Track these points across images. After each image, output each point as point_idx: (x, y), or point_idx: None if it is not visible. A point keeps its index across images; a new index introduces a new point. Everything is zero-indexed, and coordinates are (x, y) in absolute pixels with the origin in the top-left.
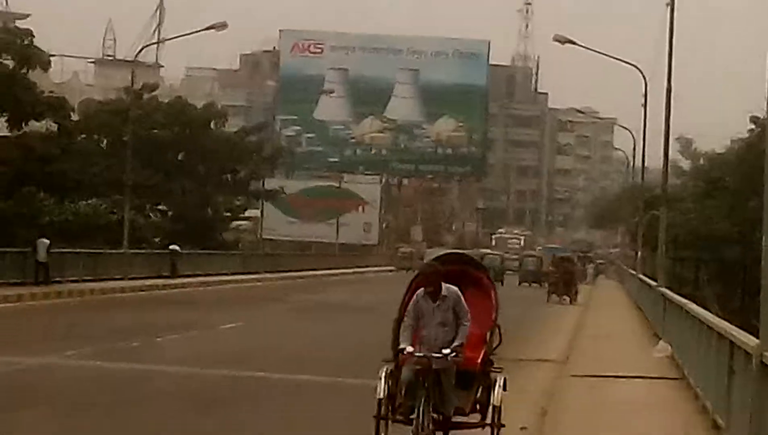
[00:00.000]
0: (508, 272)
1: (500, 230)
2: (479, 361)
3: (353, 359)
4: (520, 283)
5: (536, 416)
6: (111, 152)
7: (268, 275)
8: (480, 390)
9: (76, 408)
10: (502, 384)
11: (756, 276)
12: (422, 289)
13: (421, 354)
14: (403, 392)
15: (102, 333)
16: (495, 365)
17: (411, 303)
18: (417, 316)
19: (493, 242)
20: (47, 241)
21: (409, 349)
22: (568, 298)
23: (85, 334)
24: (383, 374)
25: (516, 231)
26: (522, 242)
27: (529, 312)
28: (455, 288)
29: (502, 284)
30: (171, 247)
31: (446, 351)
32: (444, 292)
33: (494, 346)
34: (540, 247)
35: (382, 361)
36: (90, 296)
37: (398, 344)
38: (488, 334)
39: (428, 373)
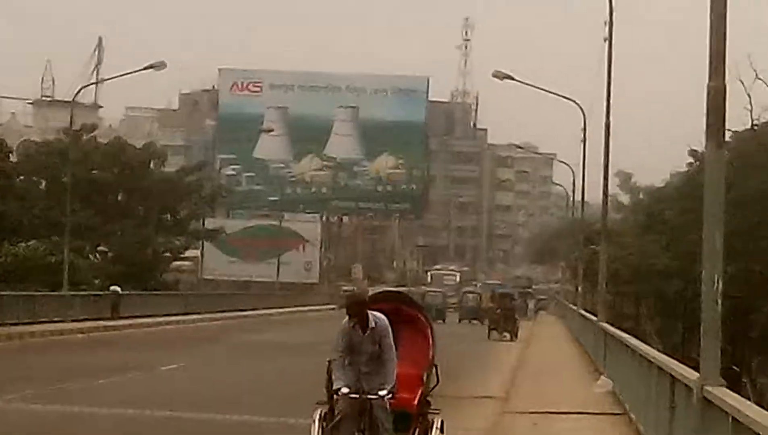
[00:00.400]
0: (447, 309)
1: (436, 267)
2: (416, 402)
3: (293, 399)
4: (460, 320)
5: None
6: (50, 193)
7: (208, 315)
8: (417, 433)
9: None
10: (439, 426)
11: (696, 310)
12: (347, 320)
13: (356, 395)
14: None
15: (42, 376)
16: (433, 406)
17: (338, 334)
18: (346, 348)
19: (429, 279)
20: None
21: (344, 389)
22: (508, 335)
23: (25, 377)
24: (317, 417)
25: (452, 267)
26: (458, 278)
27: (470, 349)
28: (384, 319)
29: (444, 322)
30: (112, 288)
31: (383, 392)
32: (371, 322)
33: (431, 386)
34: (479, 284)
35: (317, 404)
36: (30, 339)
37: (332, 385)
38: (425, 374)
39: (363, 414)
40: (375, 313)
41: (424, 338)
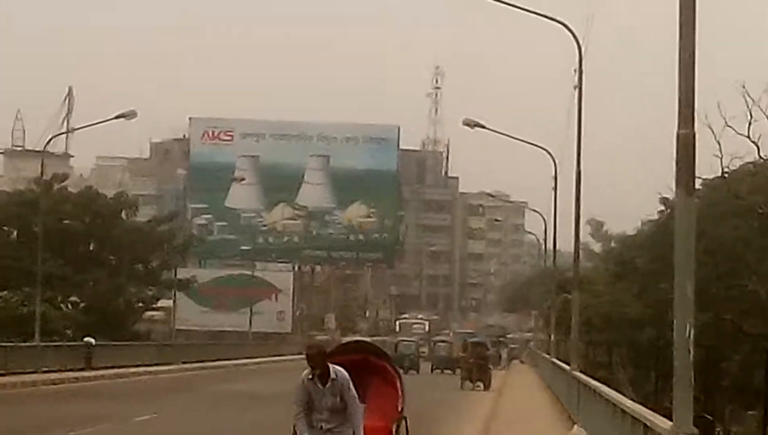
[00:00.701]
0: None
1: (404, 316)
2: None
3: None
4: (432, 370)
5: None
6: (21, 243)
7: (181, 365)
8: None
9: None
10: None
11: (669, 358)
12: (307, 371)
13: None
14: None
15: (14, 427)
16: None
17: (297, 388)
18: (306, 401)
19: (398, 328)
20: None
21: None
22: (482, 384)
23: None
24: None
25: (420, 316)
26: (427, 327)
27: (443, 398)
28: (344, 372)
29: (418, 372)
30: (85, 339)
31: None
32: (332, 374)
33: None
34: (451, 332)
35: None
36: (1, 391)
37: None
38: (394, 427)
39: None
40: (335, 366)
41: (393, 389)
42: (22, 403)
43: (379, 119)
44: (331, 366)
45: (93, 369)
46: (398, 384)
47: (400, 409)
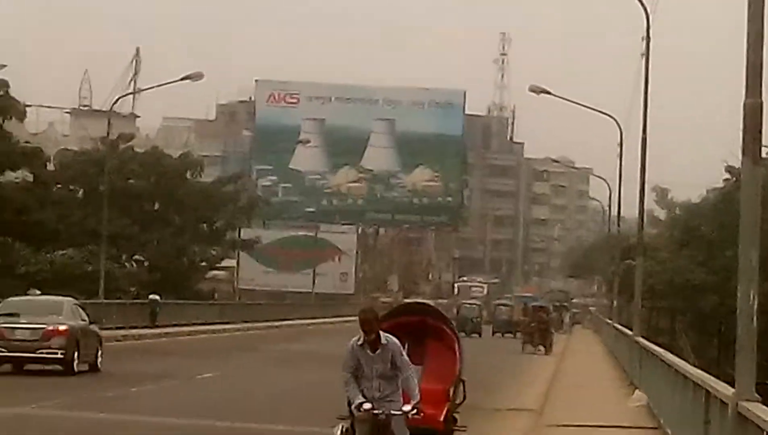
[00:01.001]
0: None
1: (463, 278)
2: (441, 419)
3: (328, 408)
4: (493, 334)
5: None
6: (87, 202)
7: (244, 325)
8: None
9: None
10: None
11: (732, 326)
12: (357, 337)
13: (379, 411)
14: None
15: (78, 383)
16: (459, 424)
17: (346, 352)
18: (355, 367)
19: (456, 291)
20: (38, 292)
21: (366, 405)
22: (543, 348)
23: (60, 385)
24: (338, 432)
25: (479, 279)
26: (486, 290)
27: (504, 361)
28: (394, 338)
29: (480, 335)
30: (151, 296)
31: (406, 408)
32: (383, 340)
33: (458, 402)
34: (511, 296)
35: (337, 418)
36: None
37: (351, 400)
38: (451, 390)
39: (385, 431)
40: (385, 332)
41: (450, 352)
42: None
43: (445, 84)
44: (382, 334)
45: (157, 326)
46: (456, 347)
47: (457, 372)
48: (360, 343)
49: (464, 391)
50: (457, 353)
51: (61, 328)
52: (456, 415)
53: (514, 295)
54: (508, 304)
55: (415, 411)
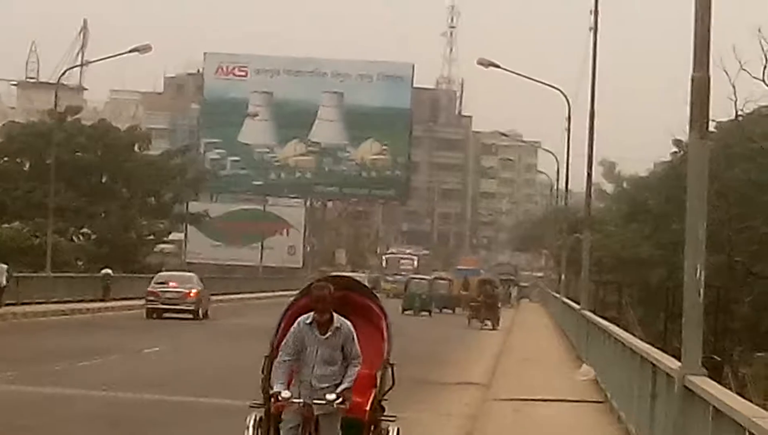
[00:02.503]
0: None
1: (391, 250)
2: (367, 408)
3: None
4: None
5: None
6: (34, 175)
7: None
8: None
9: None
10: None
11: (678, 299)
12: (307, 315)
13: (299, 400)
14: None
15: (24, 357)
16: (387, 413)
17: (291, 332)
18: (298, 350)
19: (384, 263)
20: (5, 266)
21: (285, 393)
22: (490, 323)
23: (6, 358)
24: (251, 423)
25: (408, 250)
26: (416, 263)
27: (450, 336)
28: (349, 323)
29: (430, 314)
30: (104, 271)
31: (331, 396)
32: (336, 322)
33: (386, 389)
34: (435, 271)
35: (250, 406)
36: (12, 320)
37: (270, 386)
38: (378, 375)
39: (309, 423)
40: (339, 316)
41: (377, 332)
42: (32, 333)
43: (393, 58)
44: (335, 316)
45: (111, 300)
46: (384, 325)
47: (385, 354)
48: (309, 322)
49: (393, 376)
50: (385, 333)
51: (193, 291)
52: (384, 404)
53: (455, 267)
54: (446, 277)
55: (341, 400)
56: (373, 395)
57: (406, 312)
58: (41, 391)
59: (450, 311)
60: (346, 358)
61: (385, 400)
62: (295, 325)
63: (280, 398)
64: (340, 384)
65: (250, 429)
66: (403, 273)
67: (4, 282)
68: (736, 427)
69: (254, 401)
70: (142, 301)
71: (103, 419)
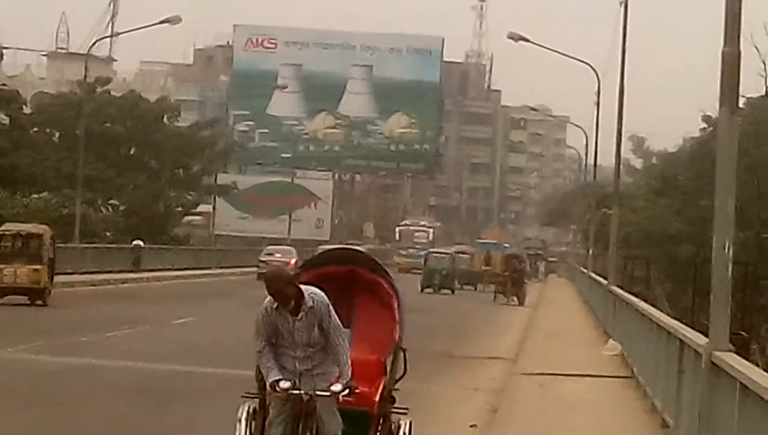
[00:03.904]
0: (415, 270)
1: (405, 222)
2: (376, 398)
3: None
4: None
5: (486, 414)
6: (63, 146)
7: (219, 270)
8: None
9: (25, 402)
10: (407, 431)
11: (706, 275)
12: (270, 300)
13: (300, 391)
14: None
15: (52, 327)
16: (399, 404)
17: (260, 319)
18: (271, 333)
19: (398, 236)
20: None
21: (284, 383)
22: (516, 299)
23: (35, 329)
24: (243, 414)
25: (423, 222)
26: (431, 236)
27: (476, 311)
28: (322, 295)
29: (453, 292)
30: (135, 242)
31: (336, 387)
32: (307, 301)
33: (397, 377)
34: (458, 244)
35: (242, 397)
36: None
37: (264, 375)
38: (388, 361)
39: (310, 416)
40: (311, 289)
41: (388, 312)
42: (60, 304)
43: (423, 31)
44: (305, 291)
45: (141, 271)
46: (395, 305)
47: (396, 337)
48: (276, 306)
49: (405, 362)
50: (397, 314)
51: (293, 261)
52: (394, 394)
53: (477, 241)
54: (468, 251)
55: (347, 391)
56: (382, 384)
57: (426, 290)
58: (68, 361)
59: (471, 288)
60: (327, 336)
61: (396, 389)
62: (263, 310)
63: (278, 389)
64: (326, 364)
65: (242, 422)
66: (417, 246)
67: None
68: (763, 403)
69: (247, 391)
70: (167, 272)
71: (130, 390)
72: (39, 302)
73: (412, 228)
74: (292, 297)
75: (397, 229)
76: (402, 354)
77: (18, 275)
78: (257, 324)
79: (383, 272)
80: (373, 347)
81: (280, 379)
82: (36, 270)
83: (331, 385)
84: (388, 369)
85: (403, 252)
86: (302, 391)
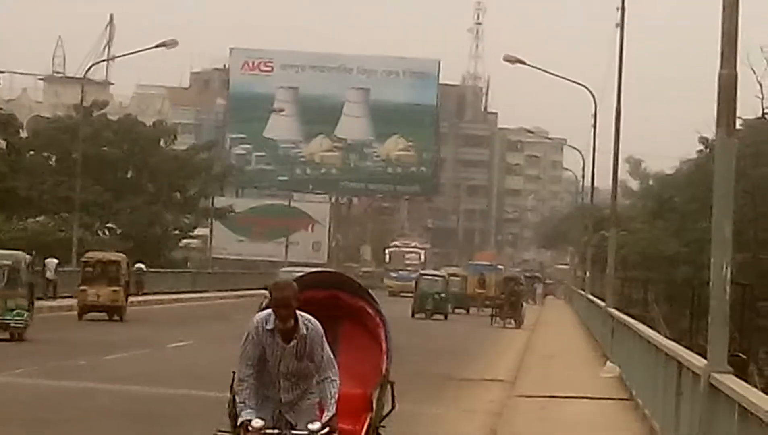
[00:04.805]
0: (405, 293)
1: (395, 243)
2: None
3: None
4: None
5: None
6: (60, 169)
7: (216, 293)
8: None
9: (20, 426)
10: None
11: (704, 297)
12: (266, 317)
13: (275, 430)
14: None
15: (49, 351)
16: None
17: (249, 340)
18: (258, 357)
19: (387, 258)
20: (56, 261)
21: (256, 422)
22: (513, 322)
23: (32, 352)
24: None
25: (414, 243)
26: (422, 257)
27: (473, 334)
28: (317, 324)
29: (446, 317)
30: (137, 265)
31: (314, 426)
32: (301, 327)
33: (384, 413)
34: (448, 266)
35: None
36: (37, 314)
37: (237, 411)
38: (375, 396)
39: None
40: (306, 314)
41: (374, 342)
42: (58, 327)
43: (419, 54)
44: (300, 316)
45: (144, 294)
46: (382, 334)
47: (383, 368)
48: (270, 327)
49: (393, 397)
50: (384, 344)
51: None
52: (381, 431)
53: (469, 263)
54: (460, 273)
55: (326, 430)
56: (368, 421)
57: (417, 315)
58: (65, 385)
59: (463, 311)
60: (318, 369)
61: (383, 426)
62: (253, 329)
63: (250, 428)
64: (307, 397)
65: None
66: (408, 268)
67: (53, 275)
68: (762, 425)
69: (220, 429)
70: (165, 296)
71: (125, 414)
72: (116, 317)
73: (402, 249)
74: (293, 314)
75: (386, 251)
76: (390, 388)
77: (100, 295)
78: (244, 346)
79: (368, 297)
80: (358, 380)
81: (250, 420)
82: (115, 291)
83: (312, 422)
84: (374, 404)
85: (394, 274)
86: (276, 431)
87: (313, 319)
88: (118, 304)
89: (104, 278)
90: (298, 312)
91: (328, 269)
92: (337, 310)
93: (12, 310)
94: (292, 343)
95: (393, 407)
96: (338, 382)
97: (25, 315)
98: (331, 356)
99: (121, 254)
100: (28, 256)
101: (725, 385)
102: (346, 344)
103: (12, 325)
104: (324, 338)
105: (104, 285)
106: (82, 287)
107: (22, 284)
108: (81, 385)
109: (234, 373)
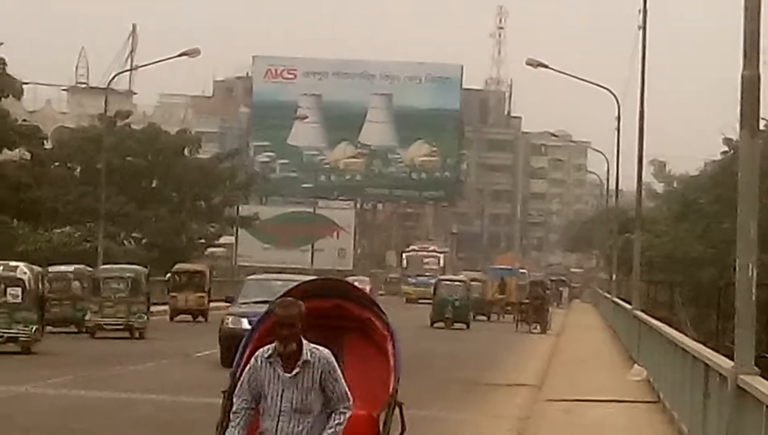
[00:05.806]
0: (424, 300)
1: (412, 247)
2: None
3: None
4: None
5: None
6: (85, 180)
7: None
8: None
9: None
10: None
11: (730, 298)
12: (267, 347)
13: None
14: None
15: (78, 361)
16: None
17: (247, 371)
18: (256, 395)
19: (405, 262)
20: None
21: None
22: (539, 327)
23: (61, 363)
24: None
25: (432, 247)
26: (441, 262)
27: (498, 339)
28: (325, 351)
29: (468, 326)
30: (168, 275)
31: None
32: (305, 355)
33: None
34: (466, 271)
35: None
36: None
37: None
38: (381, 417)
39: None
40: (311, 344)
41: (381, 357)
42: (85, 338)
43: (442, 59)
44: (306, 344)
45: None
46: (391, 349)
47: (392, 387)
48: (269, 354)
49: (402, 418)
50: (392, 359)
51: (368, 288)
52: None
53: (489, 266)
54: (479, 278)
55: None
56: None
57: (437, 324)
58: (95, 395)
59: (484, 318)
60: (329, 403)
61: None
62: (252, 360)
63: None
64: (310, 427)
65: None
66: (426, 274)
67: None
68: None
69: None
70: None
71: (156, 423)
72: (201, 319)
73: (420, 253)
74: (299, 336)
75: (404, 255)
76: (399, 408)
77: (188, 301)
78: (243, 379)
79: (375, 308)
80: (364, 400)
81: None
82: (201, 296)
83: None
84: (381, 427)
85: (411, 280)
86: None
87: (321, 348)
88: (203, 308)
89: (191, 286)
90: (304, 342)
91: (330, 277)
92: (341, 322)
93: (134, 313)
94: (294, 372)
95: (403, 430)
96: (348, 413)
97: (145, 318)
98: (346, 389)
99: (205, 265)
100: (145, 269)
101: (753, 387)
102: (352, 359)
103: (135, 326)
104: (337, 369)
105: (191, 292)
106: (172, 294)
107: (142, 292)
108: (113, 395)
109: (223, 393)
